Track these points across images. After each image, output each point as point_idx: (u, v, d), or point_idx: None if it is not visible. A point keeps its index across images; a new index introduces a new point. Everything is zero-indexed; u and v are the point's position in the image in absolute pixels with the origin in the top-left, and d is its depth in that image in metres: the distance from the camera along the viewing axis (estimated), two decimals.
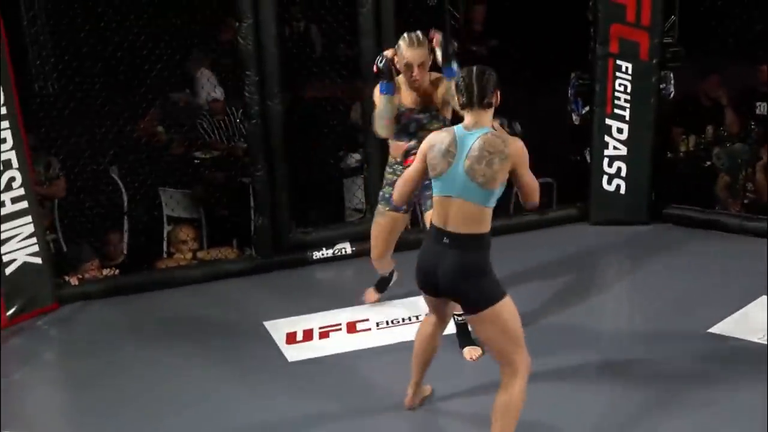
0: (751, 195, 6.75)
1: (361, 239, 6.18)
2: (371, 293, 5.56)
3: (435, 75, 4.70)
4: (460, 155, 3.65)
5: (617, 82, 6.38)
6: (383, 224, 4.94)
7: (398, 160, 4.67)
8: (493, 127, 3.71)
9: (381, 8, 5.94)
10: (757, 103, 7.31)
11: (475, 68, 3.73)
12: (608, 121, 6.47)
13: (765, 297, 5.26)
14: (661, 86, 6.40)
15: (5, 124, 5.24)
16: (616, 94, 6.40)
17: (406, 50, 4.55)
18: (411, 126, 4.69)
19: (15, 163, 5.30)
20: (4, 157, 5.25)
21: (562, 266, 5.87)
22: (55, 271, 5.72)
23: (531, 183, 3.73)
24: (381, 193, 4.96)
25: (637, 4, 6.24)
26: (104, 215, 6.35)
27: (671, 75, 6.43)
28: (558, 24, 6.85)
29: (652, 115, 6.44)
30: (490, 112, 3.72)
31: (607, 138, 6.50)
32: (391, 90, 4.58)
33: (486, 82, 3.68)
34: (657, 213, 6.63)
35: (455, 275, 3.68)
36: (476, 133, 3.66)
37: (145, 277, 6.03)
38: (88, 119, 6.39)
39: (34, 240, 5.46)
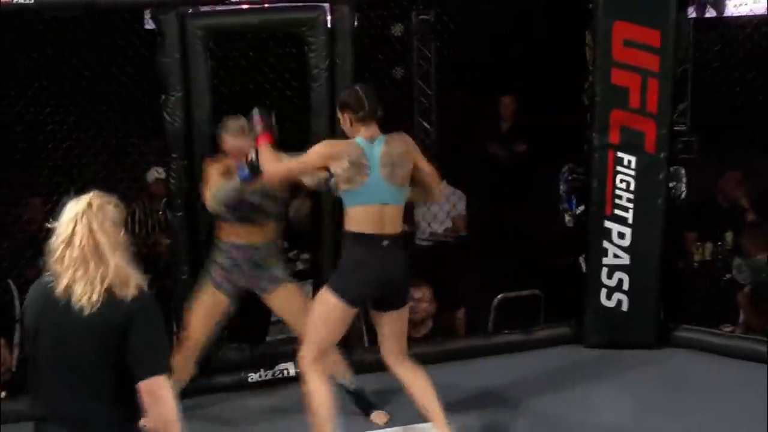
0: None
1: None
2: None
3: None
4: (373, 166, 4.20)
5: (618, 177, 5.96)
6: (205, 301, 5.01)
7: (231, 241, 4.83)
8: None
9: (336, 84, 5.46)
10: None
11: (361, 85, 4.39)
12: (607, 224, 6.02)
13: None
14: (671, 184, 5.99)
15: None
16: (617, 192, 5.98)
17: (230, 140, 4.82)
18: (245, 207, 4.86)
19: None
20: None
21: (548, 398, 5.39)
22: None
23: (430, 167, 4.39)
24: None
25: (642, 88, 5.85)
26: None
27: (683, 171, 6.01)
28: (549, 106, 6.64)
29: (659, 217, 6.01)
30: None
31: (606, 244, 6.02)
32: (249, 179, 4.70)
33: (375, 96, 4.26)
34: (665, 335, 6.14)
35: (402, 271, 4.32)
36: (377, 143, 4.24)
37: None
38: None
39: None
